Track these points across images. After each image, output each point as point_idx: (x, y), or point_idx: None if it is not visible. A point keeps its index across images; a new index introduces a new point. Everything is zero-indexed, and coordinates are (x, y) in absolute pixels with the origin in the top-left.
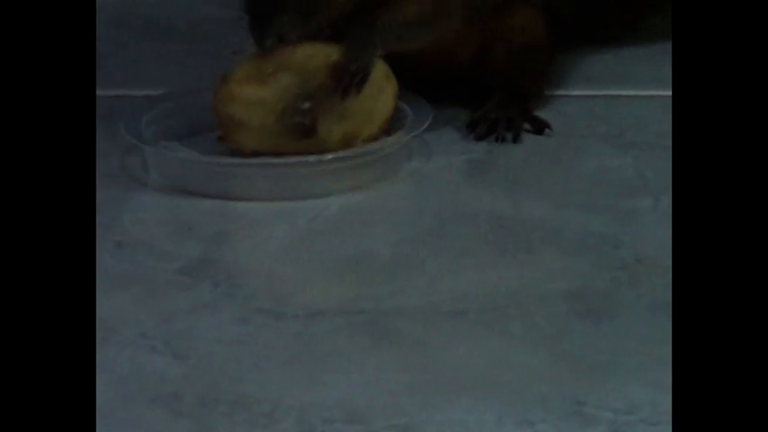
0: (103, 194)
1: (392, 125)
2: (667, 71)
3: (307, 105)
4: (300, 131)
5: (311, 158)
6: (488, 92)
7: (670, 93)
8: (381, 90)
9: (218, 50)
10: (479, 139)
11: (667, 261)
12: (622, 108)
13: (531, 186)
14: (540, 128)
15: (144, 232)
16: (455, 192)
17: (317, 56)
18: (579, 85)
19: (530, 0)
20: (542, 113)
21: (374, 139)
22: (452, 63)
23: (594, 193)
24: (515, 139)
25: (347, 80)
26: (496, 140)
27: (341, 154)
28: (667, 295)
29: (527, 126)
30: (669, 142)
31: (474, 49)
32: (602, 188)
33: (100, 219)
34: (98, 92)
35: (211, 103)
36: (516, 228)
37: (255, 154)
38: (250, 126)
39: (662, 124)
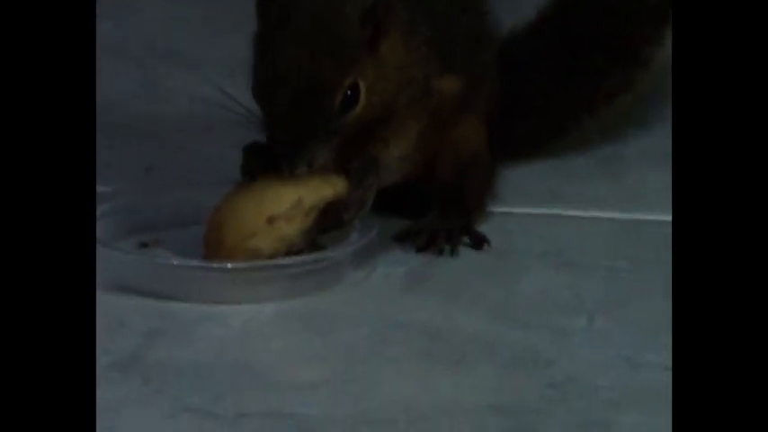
0: None
1: (337, 236)
2: (606, 190)
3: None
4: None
5: (251, 265)
6: (429, 203)
7: (609, 215)
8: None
9: (196, 152)
10: (419, 250)
11: (598, 381)
12: (562, 227)
13: (467, 300)
14: (478, 243)
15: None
16: (392, 302)
17: (304, 193)
18: (520, 202)
19: (473, 112)
20: (482, 229)
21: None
22: (395, 183)
23: (529, 310)
24: (453, 253)
25: (349, 216)
26: (433, 252)
27: (282, 262)
28: (597, 415)
29: (466, 240)
30: (607, 263)
31: (420, 163)
32: (537, 306)
33: None
34: None
35: (211, 219)
36: (450, 340)
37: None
38: (222, 242)
39: (600, 245)
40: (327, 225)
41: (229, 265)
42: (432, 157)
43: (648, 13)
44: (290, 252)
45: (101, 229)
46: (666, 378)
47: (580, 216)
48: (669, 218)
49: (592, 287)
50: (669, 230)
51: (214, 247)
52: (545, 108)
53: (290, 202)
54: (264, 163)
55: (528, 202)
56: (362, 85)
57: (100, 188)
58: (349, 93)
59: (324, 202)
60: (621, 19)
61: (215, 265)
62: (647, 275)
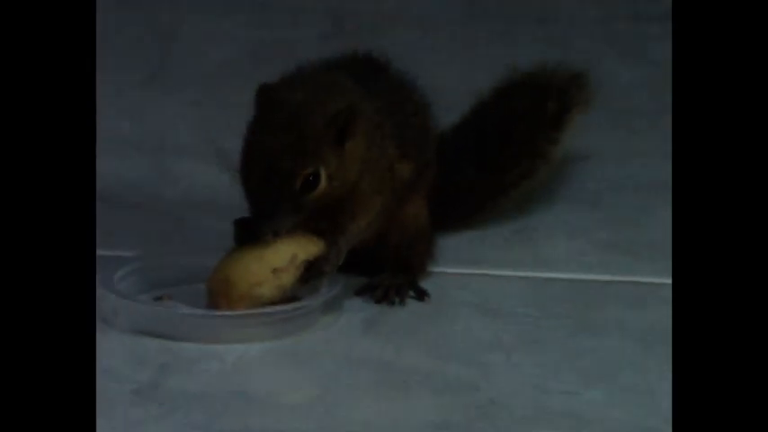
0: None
1: (310, 289)
2: (520, 254)
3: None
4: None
5: (242, 312)
6: (381, 264)
7: (522, 273)
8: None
9: (197, 225)
10: (376, 302)
11: (514, 402)
12: (486, 284)
13: (412, 340)
14: (421, 295)
15: (108, 361)
16: (354, 342)
17: (297, 248)
18: (453, 264)
19: (419, 192)
20: (424, 284)
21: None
22: (361, 244)
23: (460, 347)
24: (401, 303)
25: (329, 269)
26: (387, 303)
27: (268, 310)
28: (513, 430)
29: (411, 293)
30: (520, 311)
31: (378, 232)
32: (466, 344)
33: None
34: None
35: (216, 270)
36: (398, 371)
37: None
38: (230, 293)
39: (515, 297)
40: (310, 276)
41: (226, 313)
42: (386, 227)
43: (548, 120)
44: (283, 299)
45: (124, 286)
46: (567, 400)
47: (500, 275)
48: (571, 276)
49: (509, 330)
50: (570, 286)
51: (222, 295)
52: (469, 191)
53: (288, 256)
54: (250, 232)
55: (459, 264)
56: (324, 173)
57: (123, 253)
58: (310, 179)
59: (311, 257)
60: (527, 124)
61: (216, 313)
62: (552, 321)
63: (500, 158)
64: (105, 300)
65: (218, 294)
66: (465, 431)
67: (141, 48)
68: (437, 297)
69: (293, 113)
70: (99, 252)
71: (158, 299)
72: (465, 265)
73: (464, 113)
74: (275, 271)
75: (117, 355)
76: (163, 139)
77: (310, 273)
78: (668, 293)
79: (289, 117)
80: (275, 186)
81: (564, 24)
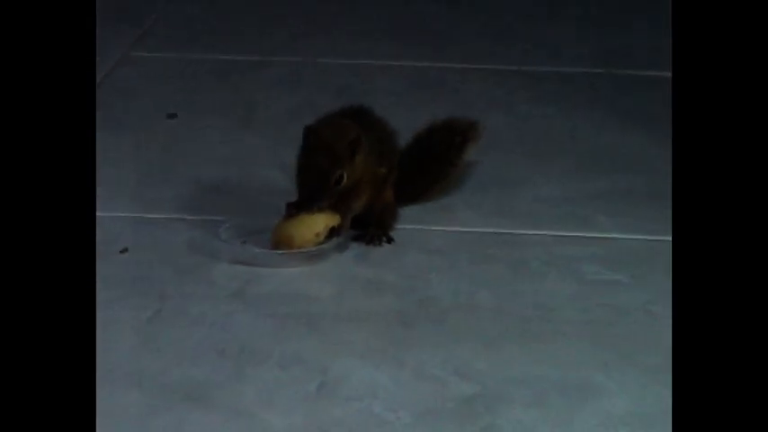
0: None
1: (328, 238)
2: (441, 219)
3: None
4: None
5: (296, 251)
6: (368, 223)
7: (445, 228)
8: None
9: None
10: (366, 244)
11: (444, 299)
12: (426, 235)
13: (384, 265)
14: (389, 241)
15: (215, 278)
16: (352, 266)
17: (326, 219)
18: (406, 222)
19: (389, 183)
20: (391, 235)
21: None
22: (357, 213)
23: (411, 269)
24: (379, 245)
25: (344, 230)
26: (372, 244)
27: (308, 250)
28: (445, 316)
29: (384, 240)
30: (446, 250)
31: (367, 207)
32: (416, 267)
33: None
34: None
35: (276, 227)
36: (376, 282)
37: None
38: (297, 244)
39: (443, 242)
40: (333, 235)
41: (288, 252)
42: (370, 203)
43: (454, 147)
44: (316, 245)
45: (225, 235)
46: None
47: (433, 230)
48: (476, 230)
49: (442, 260)
50: (479, 236)
51: (285, 244)
52: (414, 184)
53: (323, 224)
54: (296, 210)
55: (410, 223)
56: (345, 174)
57: (219, 217)
58: (339, 177)
59: (334, 223)
60: (443, 149)
61: (280, 252)
62: (465, 254)
63: (429, 167)
64: (214, 243)
65: (282, 243)
66: (412, 317)
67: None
68: (398, 242)
69: (326, 141)
70: (210, 217)
71: (243, 242)
72: (413, 224)
73: (409, 141)
74: (317, 234)
75: (220, 274)
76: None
77: (333, 233)
78: None
79: (324, 143)
80: (318, 182)
81: (470, 95)
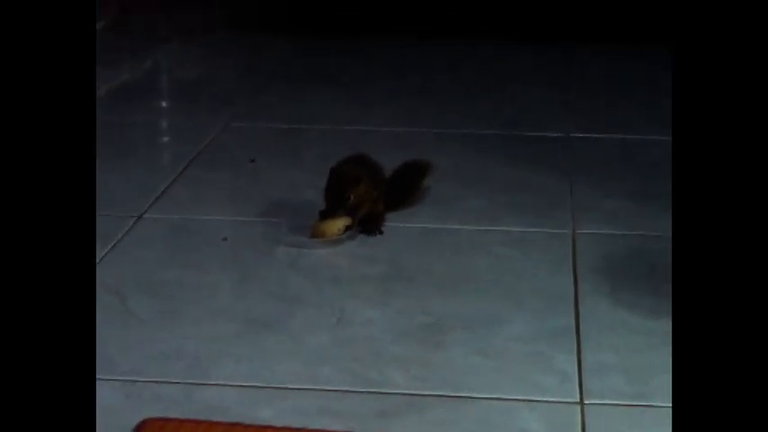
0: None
1: (344, 232)
2: (414, 219)
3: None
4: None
5: (326, 239)
6: (368, 222)
7: (417, 225)
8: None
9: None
10: (367, 235)
11: (421, 269)
12: (401, 231)
13: (377, 246)
14: (380, 233)
15: (276, 253)
16: (357, 249)
17: (343, 221)
18: (391, 221)
19: (380, 200)
20: (382, 229)
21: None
22: (360, 217)
23: (398, 248)
24: (374, 236)
25: (353, 228)
26: (369, 235)
27: (331, 239)
28: (426, 286)
29: (378, 232)
30: (423, 242)
31: (367, 214)
32: (402, 250)
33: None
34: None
35: (313, 225)
36: (372, 259)
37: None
38: (326, 235)
39: (416, 236)
40: (348, 229)
41: (322, 240)
42: (368, 211)
43: (419, 177)
44: (338, 236)
45: (283, 230)
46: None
47: (405, 227)
48: (447, 226)
49: (420, 246)
50: (451, 232)
51: (320, 235)
52: (395, 201)
53: (343, 225)
54: (324, 215)
55: (393, 221)
56: (353, 195)
57: (280, 219)
58: (350, 198)
59: (348, 223)
60: (411, 176)
61: (318, 239)
62: (435, 238)
63: (402, 191)
64: (277, 234)
65: (317, 234)
66: (394, 278)
67: None
68: (386, 234)
69: (344, 176)
70: (275, 219)
71: (293, 235)
72: (395, 222)
73: (390, 174)
74: (338, 229)
75: (281, 253)
76: None
77: (347, 229)
78: None
79: (341, 176)
80: (339, 199)
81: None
